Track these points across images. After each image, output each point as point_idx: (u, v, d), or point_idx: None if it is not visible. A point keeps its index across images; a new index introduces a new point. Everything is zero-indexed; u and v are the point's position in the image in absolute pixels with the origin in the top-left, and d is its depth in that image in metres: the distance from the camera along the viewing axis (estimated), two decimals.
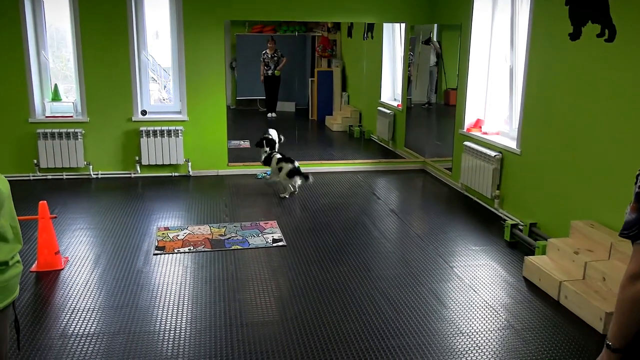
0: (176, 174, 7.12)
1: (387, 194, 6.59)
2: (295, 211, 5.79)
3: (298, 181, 6.21)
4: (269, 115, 11.57)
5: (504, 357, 3.19)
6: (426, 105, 8.34)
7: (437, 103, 8.17)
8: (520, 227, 5.00)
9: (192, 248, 4.73)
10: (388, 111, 8.72)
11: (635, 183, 1.42)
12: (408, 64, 8.19)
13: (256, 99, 12.91)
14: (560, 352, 3.25)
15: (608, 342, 1.53)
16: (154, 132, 6.88)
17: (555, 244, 4.17)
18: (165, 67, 10.31)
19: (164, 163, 7.00)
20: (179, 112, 7.10)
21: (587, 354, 3.24)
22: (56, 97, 7.00)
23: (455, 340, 3.35)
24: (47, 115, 6.90)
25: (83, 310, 3.65)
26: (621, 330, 1.49)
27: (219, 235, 5.04)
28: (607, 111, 4.13)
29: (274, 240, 4.92)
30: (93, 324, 3.50)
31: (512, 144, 5.49)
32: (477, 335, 3.41)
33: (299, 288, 4.02)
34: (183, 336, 3.36)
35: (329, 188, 6.68)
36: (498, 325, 3.54)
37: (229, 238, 4.97)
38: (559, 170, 4.73)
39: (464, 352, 3.23)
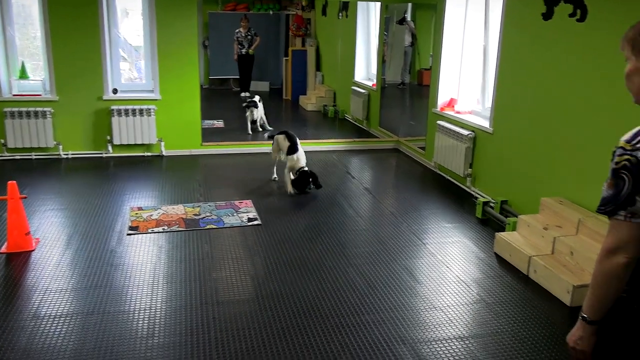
0: (149, 154, 7.02)
1: (362, 173, 6.62)
2: (270, 190, 5.77)
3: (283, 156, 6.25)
4: (243, 94, 11.47)
5: (475, 330, 3.26)
6: (400, 85, 8.35)
7: (411, 83, 8.19)
8: (492, 204, 5.08)
9: (166, 228, 4.69)
10: (362, 91, 8.71)
11: (612, 159, 1.45)
12: (382, 43, 8.18)
13: (230, 78, 12.77)
14: (530, 324, 3.34)
15: (583, 315, 1.57)
16: (126, 111, 6.76)
17: (525, 221, 4.25)
18: (136, 46, 10.12)
19: (136, 143, 6.89)
20: (151, 91, 6.98)
21: (555, 326, 3.33)
22: (23, 75, 6.81)
23: (428, 315, 3.41)
24: (14, 93, 6.71)
25: (55, 291, 3.60)
26: (596, 303, 1.52)
27: (193, 214, 5.00)
28: (577, 91, 4.20)
29: (249, 220, 4.91)
30: (66, 304, 3.45)
31: (484, 123, 5.55)
32: (449, 310, 3.47)
33: (274, 266, 4.03)
34: (158, 315, 3.35)
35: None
36: (470, 300, 3.61)
37: (204, 217, 4.93)
38: (530, 149, 4.80)
39: (436, 326, 3.29)
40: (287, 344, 3.08)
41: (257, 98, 8.59)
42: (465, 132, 5.71)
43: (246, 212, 5.09)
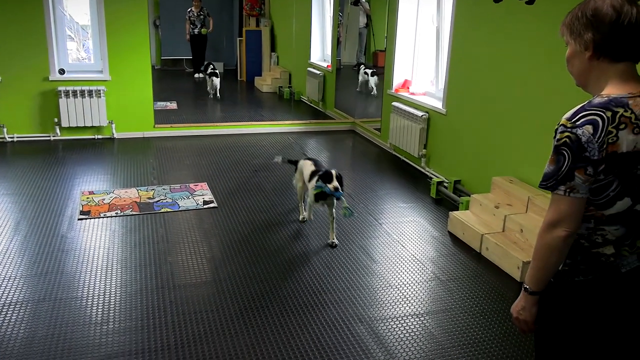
0: (100, 137, 6.83)
1: (318, 155, 6.63)
2: (226, 173, 5.72)
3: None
4: (197, 75, 11.27)
5: (430, 307, 3.35)
6: (356, 66, 8.37)
7: (367, 64, 8.22)
8: (446, 184, 5.19)
9: (119, 212, 4.59)
10: (318, 72, 8.70)
11: (554, 137, 1.50)
12: (337, 24, 8.16)
13: (182, 59, 12.51)
14: (482, 299, 3.45)
15: (526, 286, 1.64)
16: (74, 92, 6.54)
17: (477, 200, 4.36)
18: (84, 25, 9.77)
19: (86, 125, 6.69)
20: (100, 72, 6.77)
21: (505, 300, 3.45)
22: None
23: (384, 293, 3.47)
24: None
25: (4, 279, 3.49)
26: (538, 274, 1.59)
27: (147, 198, 4.91)
28: (527, 73, 4.31)
29: (205, 202, 4.86)
30: (15, 292, 3.35)
31: (438, 104, 5.64)
32: (405, 288, 3.55)
33: (231, 249, 4.02)
34: (112, 301, 3.29)
35: (259, 149, 6.64)
36: (425, 278, 3.69)
37: (158, 201, 4.86)
38: (482, 129, 4.91)
39: (392, 304, 3.35)
40: (244, 325, 3.08)
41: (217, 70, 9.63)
42: (419, 113, 5.79)
43: (202, 194, 5.04)
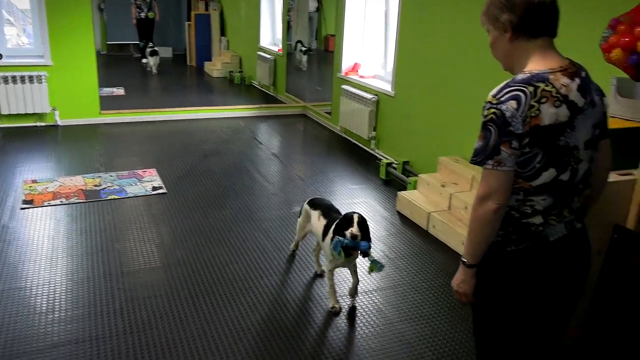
0: (42, 124, 6.60)
1: (269, 139, 6.61)
2: (176, 158, 5.64)
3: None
4: (144, 61, 11.00)
5: (379, 284, 3.41)
6: (307, 51, 8.35)
7: (318, 49, 8.22)
8: (395, 165, 5.27)
9: (64, 200, 4.47)
10: (268, 56, 8.63)
11: (482, 114, 1.56)
12: (288, 8, 8.10)
13: (129, 43, 12.18)
14: (429, 275, 3.54)
15: (463, 259, 1.70)
16: (13, 78, 6.28)
17: (424, 179, 4.45)
18: (24, 9, 9.37)
19: (27, 112, 6.44)
20: (41, 56, 6.51)
21: (451, 275, 3.50)
22: None
23: (335, 273, 3.51)
24: None
25: None
26: (473, 248, 1.65)
27: (93, 185, 4.79)
28: (472, 54, 4.40)
29: (154, 188, 4.78)
30: None
31: (387, 87, 5.70)
32: None
33: (181, 234, 3.98)
34: (59, 290, 3.22)
35: (209, 134, 6.56)
36: (374, 256, 3.74)
37: (105, 188, 4.75)
38: (429, 111, 5.00)
39: (342, 282, 3.40)
40: (195, 310, 3.07)
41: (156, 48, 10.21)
42: (368, 96, 5.83)
43: (150, 181, 4.95)
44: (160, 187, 4.81)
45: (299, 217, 3.53)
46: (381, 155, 5.72)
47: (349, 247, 2.85)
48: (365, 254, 2.88)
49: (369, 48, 6.39)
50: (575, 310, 1.80)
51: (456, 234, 3.84)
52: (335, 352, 2.77)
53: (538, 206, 1.59)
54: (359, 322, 3.03)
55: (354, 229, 2.81)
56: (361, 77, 6.30)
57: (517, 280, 1.65)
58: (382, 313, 3.11)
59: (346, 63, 6.51)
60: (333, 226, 2.99)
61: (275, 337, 2.86)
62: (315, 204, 3.34)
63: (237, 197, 4.69)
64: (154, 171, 5.19)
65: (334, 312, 3.07)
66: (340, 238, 2.83)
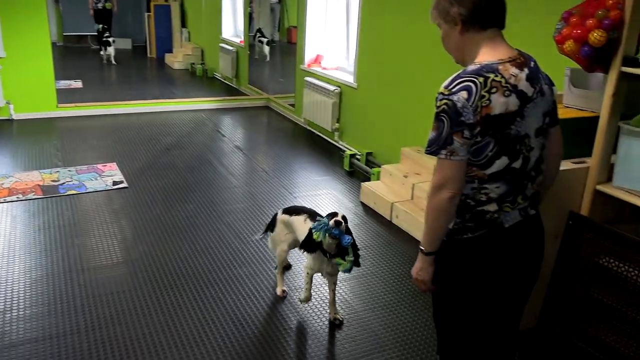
0: None
1: (232, 131, 6.57)
2: (137, 152, 5.55)
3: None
4: (103, 53, 10.75)
5: (343, 274, 3.43)
6: (270, 42, 8.31)
7: (281, 41, 8.19)
8: (358, 156, 5.32)
9: (20, 196, 4.35)
10: (230, 48, 8.56)
11: (435, 105, 1.59)
12: (249, 0, 8.04)
13: (87, 35, 11.88)
14: (393, 264, 3.59)
15: (421, 247, 1.73)
16: None
17: (387, 170, 4.51)
18: None
19: None
20: None
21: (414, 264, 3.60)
22: None
23: (299, 264, 3.52)
24: None
25: None
26: (430, 236, 1.69)
27: (51, 181, 4.68)
28: (433, 45, 4.46)
29: (115, 183, 4.70)
30: None
31: (349, 79, 5.72)
32: None
33: (143, 229, 3.93)
34: (16, 288, 3.14)
35: (171, 127, 6.48)
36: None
37: (64, 183, 4.64)
38: (391, 102, 5.05)
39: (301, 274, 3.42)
40: (158, 304, 3.05)
41: (111, 39, 10.14)
42: (331, 87, 5.85)
43: (111, 175, 4.87)
44: (121, 182, 4.73)
45: (271, 233, 3.20)
46: (345, 147, 5.75)
47: (332, 236, 2.68)
48: (346, 248, 2.72)
49: (331, 40, 6.40)
50: (530, 294, 1.86)
51: (419, 223, 3.91)
52: (301, 341, 2.80)
53: (492, 194, 1.64)
54: (324, 312, 3.05)
55: (338, 217, 2.71)
56: (324, 69, 6.31)
57: (474, 267, 1.70)
58: (347, 303, 3.14)
59: (309, 55, 6.51)
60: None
61: (240, 329, 2.86)
62: (295, 210, 3.14)
63: (200, 190, 4.65)
64: (114, 165, 5.10)
65: (301, 301, 2.97)
66: (325, 221, 2.70)
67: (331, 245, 2.74)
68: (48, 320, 2.87)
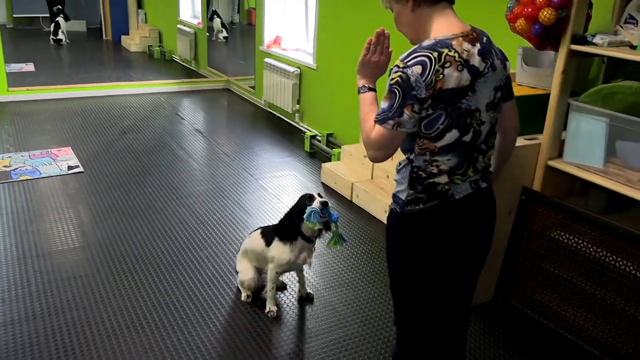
0: None
1: (192, 114, 6.48)
2: (92, 136, 5.42)
3: None
4: (53, 38, 10.40)
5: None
6: (229, 24, 8.19)
7: (241, 22, 8.08)
8: (319, 137, 5.33)
9: None
10: (189, 30, 8.40)
11: (389, 76, 1.61)
12: None
13: (39, 16, 11.47)
14: (353, 243, 3.63)
15: (362, 89, 1.80)
16: None
17: (348, 150, 4.53)
18: None
19: None
20: None
21: (374, 242, 3.66)
22: None
23: None
24: None
25: None
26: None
27: (3, 166, 4.54)
28: (392, 27, 4.46)
29: (70, 167, 4.59)
30: None
31: (309, 60, 5.70)
32: None
33: (101, 213, 3.86)
34: None
35: (128, 111, 6.35)
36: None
37: (16, 169, 4.51)
38: (350, 83, 5.05)
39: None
40: (117, 288, 3.01)
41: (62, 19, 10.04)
42: (291, 69, 5.82)
43: (65, 159, 4.75)
44: (77, 166, 4.62)
45: (241, 259, 3.03)
46: (305, 128, 5.75)
47: (324, 216, 2.61)
48: (333, 224, 2.67)
49: (290, 21, 6.35)
50: (482, 265, 1.91)
51: (379, 202, 3.95)
52: (263, 321, 2.81)
53: (443, 166, 1.67)
54: (286, 292, 3.07)
55: (321, 198, 2.63)
56: (283, 50, 6.27)
57: (426, 238, 1.73)
58: (309, 281, 3.16)
59: (268, 36, 6.45)
60: (286, 216, 2.78)
61: (202, 312, 2.86)
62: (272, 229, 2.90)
63: (159, 173, 4.59)
64: (69, 150, 4.98)
65: (271, 316, 2.84)
66: (313, 207, 2.60)
67: (316, 230, 2.69)
68: (1, 307, 2.80)
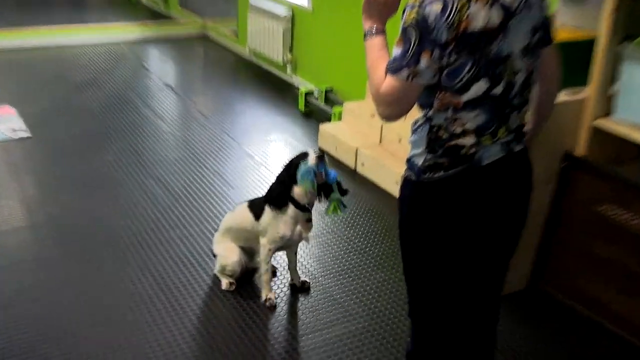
0: None
1: (161, 66, 6.45)
2: (40, 93, 5.38)
3: None
4: None
5: None
6: None
7: None
8: (315, 93, 5.30)
9: None
10: None
11: (402, 18, 1.58)
12: None
13: None
14: (357, 221, 3.62)
15: (368, 32, 1.79)
16: None
17: (351, 109, 4.50)
18: None
19: None
20: None
21: (383, 219, 3.65)
22: None
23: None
24: None
25: None
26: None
27: None
28: None
29: (13, 131, 4.56)
30: None
31: (302, 1, 5.62)
32: None
33: (52, 186, 3.85)
34: None
35: (84, 63, 6.29)
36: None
37: None
38: (354, 28, 4.98)
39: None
40: (71, 275, 3.01)
41: None
42: (281, 11, 5.74)
43: (8, 121, 4.72)
44: (22, 130, 4.59)
45: (221, 240, 3.00)
46: (299, 83, 5.70)
47: (320, 175, 2.58)
48: (332, 185, 2.63)
49: None
50: (515, 247, 1.90)
51: (388, 171, 3.93)
52: (249, 314, 2.81)
53: (469, 125, 1.64)
54: (278, 281, 3.07)
55: (313, 154, 2.59)
56: None
57: (447, 212, 1.72)
58: (305, 267, 3.16)
59: None
60: (275, 185, 2.74)
61: (174, 302, 2.85)
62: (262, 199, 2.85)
63: (122, 138, 4.57)
64: (12, 110, 4.94)
65: (269, 306, 2.85)
66: (308, 164, 2.56)
67: (312, 193, 2.65)
68: None
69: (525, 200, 1.83)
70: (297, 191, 2.67)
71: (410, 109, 1.66)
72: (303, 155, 2.65)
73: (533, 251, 2.90)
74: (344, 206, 2.71)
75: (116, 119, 4.92)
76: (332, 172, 2.64)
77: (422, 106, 1.70)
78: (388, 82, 1.61)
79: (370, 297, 2.97)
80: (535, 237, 2.86)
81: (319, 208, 2.91)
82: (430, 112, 1.67)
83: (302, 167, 2.58)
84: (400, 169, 3.86)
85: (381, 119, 1.70)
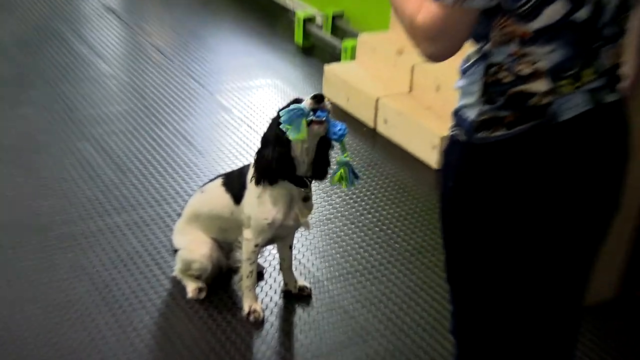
0: None
1: None
2: None
3: None
4: None
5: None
6: None
7: None
8: (319, 20, 5.31)
9: None
10: None
11: None
12: None
13: None
14: (377, 201, 3.62)
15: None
16: None
17: (368, 43, 4.49)
18: None
19: None
20: None
21: (415, 198, 3.66)
22: None
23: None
24: None
25: None
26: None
27: None
28: None
29: None
30: None
31: None
32: None
33: None
34: None
35: None
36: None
37: None
38: None
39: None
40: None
41: None
42: None
43: None
44: None
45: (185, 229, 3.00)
46: (296, 5, 5.69)
47: (317, 122, 2.52)
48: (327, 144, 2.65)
49: None
50: (603, 240, 1.87)
51: (422, 131, 3.92)
52: (224, 331, 2.82)
53: (541, 64, 1.61)
54: (266, 286, 3.08)
55: (315, 95, 2.54)
56: None
57: (509, 186, 1.71)
58: (305, 268, 3.18)
59: None
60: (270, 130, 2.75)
61: (118, 314, 2.86)
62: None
63: (45, 83, 4.61)
64: None
65: (254, 320, 2.85)
66: (299, 105, 2.52)
67: (310, 151, 2.62)
68: None
69: (619, 173, 1.80)
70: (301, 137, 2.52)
71: (465, 42, 1.65)
72: (295, 101, 2.58)
73: (626, 247, 2.89)
74: (356, 176, 2.67)
75: (38, 57, 4.97)
76: (338, 124, 2.57)
77: (476, 38, 1.68)
78: (428, 10, 1.58)
79: (396, 307, 2.98)
80: (629, 229, 2.85)
81: (321, 183, 2.88)
82: (487, 46, 1.65)
83: (289, 110, 2.50)
84: (439, 129, 3.89)
85: (425, 57, 1.69)
